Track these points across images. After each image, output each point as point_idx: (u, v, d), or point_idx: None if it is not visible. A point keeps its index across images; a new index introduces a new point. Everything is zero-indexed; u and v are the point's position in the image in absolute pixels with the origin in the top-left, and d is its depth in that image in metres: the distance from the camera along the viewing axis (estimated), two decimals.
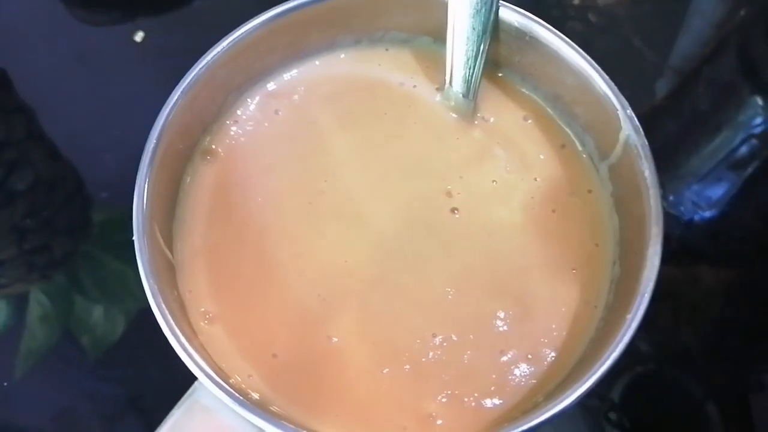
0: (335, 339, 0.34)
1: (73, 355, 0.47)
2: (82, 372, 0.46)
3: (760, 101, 0.52)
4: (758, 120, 0.51)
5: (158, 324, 0.31)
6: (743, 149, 0.51)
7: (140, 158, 0.33)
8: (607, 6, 0.57)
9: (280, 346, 0.34)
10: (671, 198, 0.50)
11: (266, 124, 0.38)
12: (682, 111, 0.54)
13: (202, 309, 0.34)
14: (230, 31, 0.36)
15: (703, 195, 0.50)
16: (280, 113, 0.39)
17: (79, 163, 0.52)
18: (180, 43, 0.55)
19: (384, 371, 0.33)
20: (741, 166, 0.51)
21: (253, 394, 0.33)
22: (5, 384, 0.45)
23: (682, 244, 0.50)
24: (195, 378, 0.31)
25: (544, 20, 0.36)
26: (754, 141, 0.51)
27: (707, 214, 0.50)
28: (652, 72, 0.55)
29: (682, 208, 0.50)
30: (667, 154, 0.52)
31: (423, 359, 0.33)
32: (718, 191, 0.50)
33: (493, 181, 0.37)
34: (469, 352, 0.33)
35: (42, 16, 0.57)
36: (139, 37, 0.55)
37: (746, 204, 0.51)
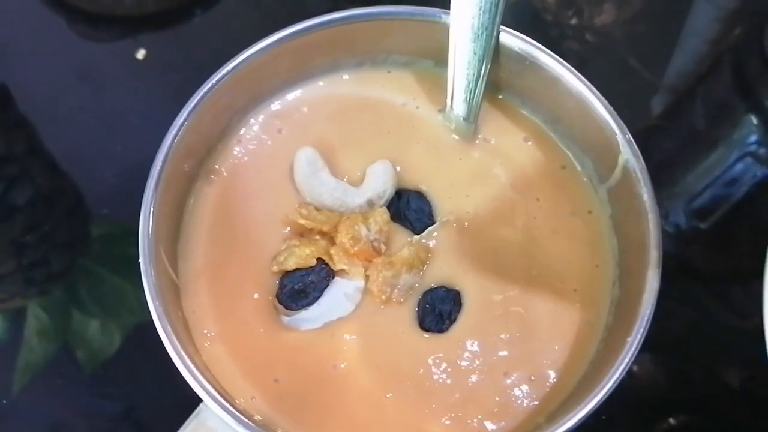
0: (341, 365, 0.34)
1: (70, 369, 0.46)
2: (78, 387, 0.46)
3: (754, 119, 0.52)
4: (753, 138, 0.52)
5: (155, 340, 0.31)
6: (739, 167, 0.51)
7: (142, 174, 0.33)
8: (604, 26, 0.58)
9: (282, 371, 0.34)
10: (668, 216, 0.50)
11: (269, 143, 0.39)
12: (677, 129, 0.54)
13: (205, 330, 0.34)
14: (232, 48, 0.36)
15: (698, 212, 0.51)
16: (283, 132, 0.39)
17: (79, 178, 0.52)
18: (181, 59, 0.55)
19: (388, 395, 0.33)
20: (737, 183, 0.51)
21: (256, 416, 0.33)
22: (4, 402, 0.45)
23: (679, 262, 0.50)
24: (193, 395, 0.31)
25: (541, 40, 0.37)
26: (749, 159, 0.51)
27: (703, 230, 0.50)
28: (648, 90, 0.55)
29: (678, 226, 0.50)
30: (664, 172, 0.52)
31: (427, 383, 0.34)
32: (714, 208, 0.51)
33: (497, 200, 0.37)
34: (473, 375, 0.34)
35: (43, 31, 0.57)
36: (140, 54, 0.55)
37: (742, 221, 0.51)
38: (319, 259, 0.35)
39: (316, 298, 0.35)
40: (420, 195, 0.37)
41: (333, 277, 0.35)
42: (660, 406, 0.46)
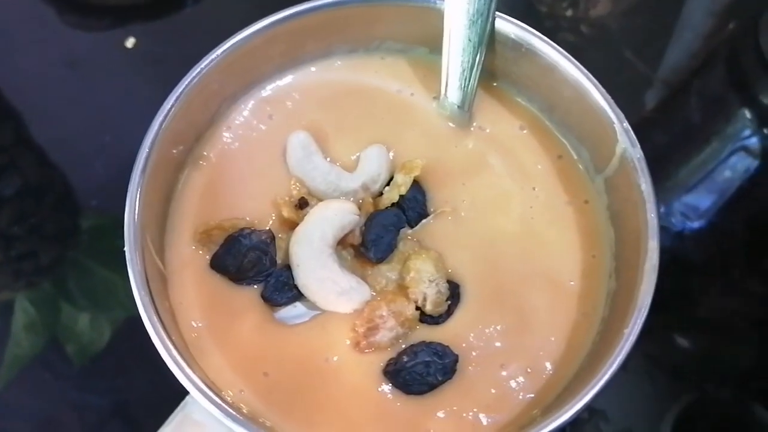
0: (333, 358, 0.33)
1: (59, 363, 0.46)
2: (67, 381, 0.45)
3: (748, 114, 0.52)
4: (747, 132, 0.52)
5: (145, 333, 0.30)
6: (732, 161, 0.51)
7: (131, 165, 0.33)
8: (599, 18, 0.58)
9: (272, 364, 0.33)
10: (662, 209, 0.50)
11: (260, 129, 0.38)
12: (671, 123, 0.54)
13: (192, 322, 0.34)
14: (222, 38, 0.36)
15: (692, 206, 0.50)
16: (274, 117, 0.38)
17: (68, 169, 0.52)
18: (171, 49, 0.55)
19: (380, 389, 0.33)
20: (730, 177, 0.51)
21: (244, 408, 0.32)
22: None
23: (673, 255, 0.50)
24: (183, 389, 0.30)
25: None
26: (742, 153, 0.51)
27: (696, 225, 0.50)
28: (642, 83, 0.55)
29: (673, 220, 0.50)
30: (657, 166, 0.51)
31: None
32: (707, 202, 0.50)
33: (493, 190, 0.37)
34: (470, 367, 0.33)
35: (32, 21, 0.57)
36: (130, 43, 0.54)
37: (735, 215, 0.51)
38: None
39: (291, 288, 0.34)
40: (414, 183, 0.36)
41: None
42: (653, 401, 0.45)
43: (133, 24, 0.56)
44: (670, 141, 0.53)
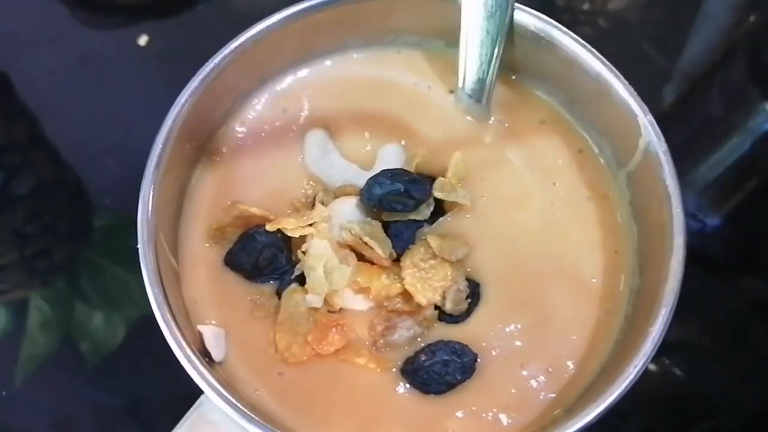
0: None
1: (73, 362, 0.46)
2: (81, 380, 0.45)
3: None
4: None
5: (159, 332, 0.30)
6: (754, 155, 0.50)
7: (144, 163, 0.33)
8: (617, 11, 0.57)
9: (287, 363, 0.33)
10: None
11: (274, 124, 0.38)
12: (691, 116, 0.53)
13: (207, 320, 0.33)
14: (234, 35, 0.35)
15: (713, 202, 0.50)
16: (288, 112, 0.38)
17: (81, 167, 0.52)
18: (184, 47, 0.54)
19: (397, 389, 0.32)
20: (751, 172, 0.50)
21: (260, 408, 0.32)
22: (3, 393, 0.45)
23: (693, 254, 0.49)
24: (197, 388, 0.30)
25: None
26: (764, 146, 0.50)
27: (716, 222, 0.49)
28: (662, 77, 0.54)
29: (693, 215, 0.49)
30: (676, 160, 0.51)
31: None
32: (727, 198, 0.50)
33: (512, 185, 0.36)
34: (489, 366, 0.32)
35: (44, 19, 0.57)
36: (143, 40, 0.54)
37: (757, 212, 0.50)
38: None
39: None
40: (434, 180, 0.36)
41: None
42: (673, 399, 0.45)
43: (146, 22, 0.56)
44: (690, 135, 0.52)
